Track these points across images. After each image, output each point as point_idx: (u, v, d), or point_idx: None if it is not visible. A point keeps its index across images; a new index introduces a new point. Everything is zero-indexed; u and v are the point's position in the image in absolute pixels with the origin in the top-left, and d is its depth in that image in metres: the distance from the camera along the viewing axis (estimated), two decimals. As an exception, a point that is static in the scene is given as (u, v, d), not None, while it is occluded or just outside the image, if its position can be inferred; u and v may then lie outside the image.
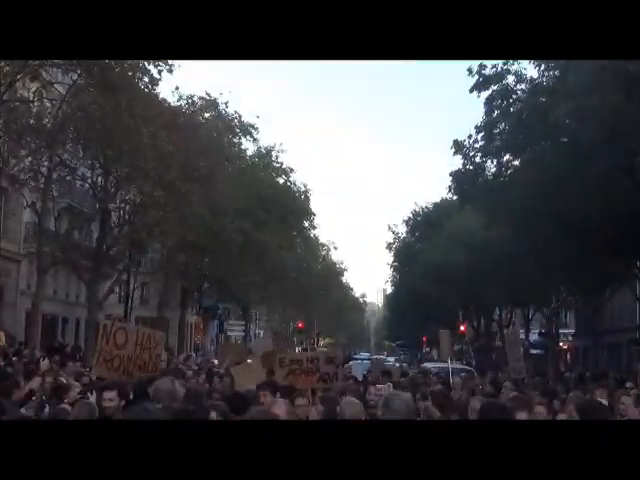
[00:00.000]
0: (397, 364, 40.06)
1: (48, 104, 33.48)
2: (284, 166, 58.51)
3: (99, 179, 38.89)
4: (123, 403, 8.66)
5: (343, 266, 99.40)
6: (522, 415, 8.13)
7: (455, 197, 46.41)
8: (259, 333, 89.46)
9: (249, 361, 16.25)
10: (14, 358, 19.93)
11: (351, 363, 45.94)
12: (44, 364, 15.52)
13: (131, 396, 11.05)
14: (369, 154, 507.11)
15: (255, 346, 34.69)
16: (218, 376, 16.87)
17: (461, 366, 36.14)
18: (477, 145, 34.87)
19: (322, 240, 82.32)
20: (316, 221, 69.11)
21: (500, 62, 31.70)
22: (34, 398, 10.49)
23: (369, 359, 63.93)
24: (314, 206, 63.79)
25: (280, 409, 8.15)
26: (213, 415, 7.91)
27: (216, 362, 26.49)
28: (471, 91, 32.30)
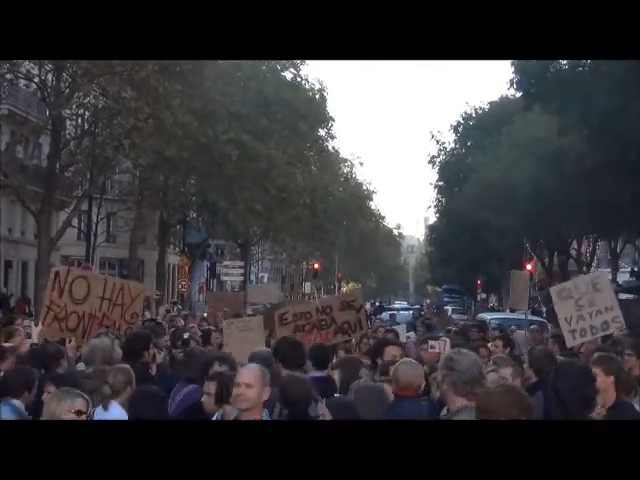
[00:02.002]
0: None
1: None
2: (292, 56, 58.15)
3: (49, 77, 38.73)
4: None
5: (371, 188, 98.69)
6: (608, 380, 8.09)
7: (519, 94, 46.14)
8: (262, 277, 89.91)
9: (246, 316, 16.20)
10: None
11: (383, 315, 46.25)
12: (-15, 319, 15.67)
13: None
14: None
15: (253, 293, 34.55)
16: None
17: (529, 317, 35.94)
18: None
19: (344, 154, 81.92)
20: (335, 129, 68.82)
21: None
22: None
23: (407, 310, 64.35)
24: (332, 109, 63.53)
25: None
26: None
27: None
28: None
